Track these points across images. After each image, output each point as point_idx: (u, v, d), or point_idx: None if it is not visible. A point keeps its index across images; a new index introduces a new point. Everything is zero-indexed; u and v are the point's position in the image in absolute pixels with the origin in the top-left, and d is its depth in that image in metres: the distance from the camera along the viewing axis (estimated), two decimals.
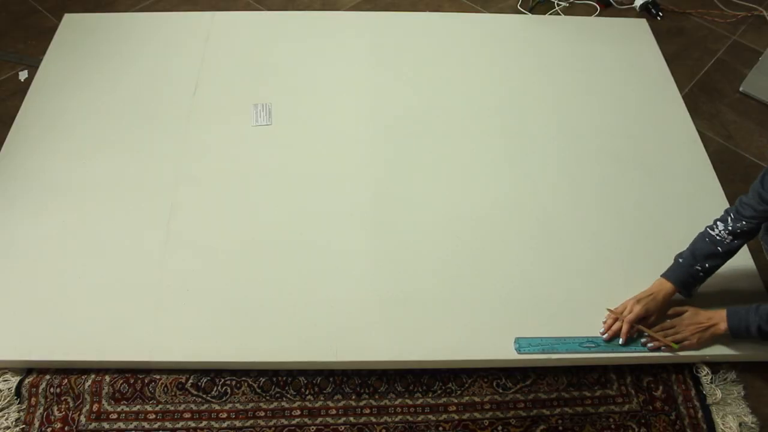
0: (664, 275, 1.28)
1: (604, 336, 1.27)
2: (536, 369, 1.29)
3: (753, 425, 1.24)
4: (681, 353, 1.26)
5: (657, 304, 1.26)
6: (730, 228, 1.21)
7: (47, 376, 1.25)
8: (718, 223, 1.23)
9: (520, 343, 1.27)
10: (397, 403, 1.25)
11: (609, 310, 1.29)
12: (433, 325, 1.30)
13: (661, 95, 1.80)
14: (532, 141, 1.66)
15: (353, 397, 1.25)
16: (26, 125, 1.64)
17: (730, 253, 1.23)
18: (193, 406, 1.24)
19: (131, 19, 1.96)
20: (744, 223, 1.19)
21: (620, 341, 1.26)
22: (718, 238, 1.22)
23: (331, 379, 1.27)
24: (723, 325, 1.20)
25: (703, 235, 1.25)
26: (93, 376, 1.25)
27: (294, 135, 1.64)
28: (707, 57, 2.00)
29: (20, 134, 1.62)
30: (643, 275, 1.32)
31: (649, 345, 1.26)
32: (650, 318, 1.27)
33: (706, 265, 1.23)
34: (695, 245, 1.25)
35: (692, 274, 1.25)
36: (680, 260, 1.26)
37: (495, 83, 1.80)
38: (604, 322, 1.29)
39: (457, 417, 1.24)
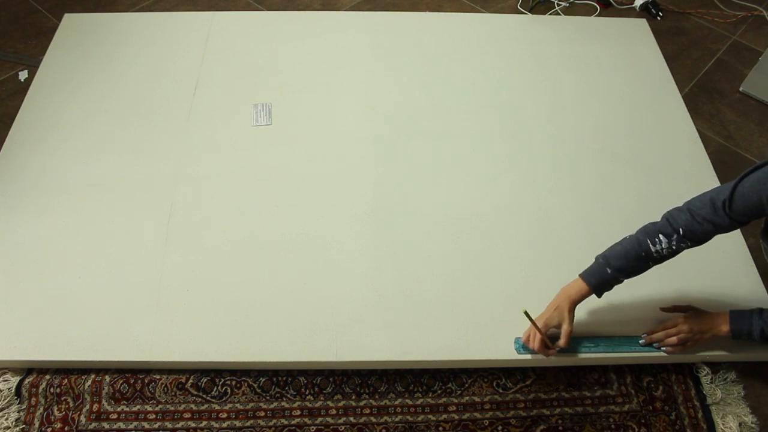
0: (585, 279, 1.18)
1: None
2: (536, 369, 1.29)
3: (753, 425, 1.24)
4: (681, 353, 1.26)
5: (562, 318, 1.18)
6: (674, 247, 1.10)
7: (47, 376, 1.25)
8: (661, 237, 1.10)
9: (520, 343, 1.27)
10: (397, 403, 1.25)
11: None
12: (433, 325, 1.30)
13: (661, 95, 1.80)
14: (532, 141, 1.66)
15: (353, 397, 1.25)
16: (26, 125, 1.64)
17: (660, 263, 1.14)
18: (193, 406, 1.24)
19: (131, 19, 1.96)
20: (689, 244, 1.09)
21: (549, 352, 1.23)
22: (655, 255, 1.11)
23: (331, 379, 1.27)
24: (725, 328, 1.20)
25: (639, 248, 1.12)
26: (93, 376, 1.25)
27: (294, 135, 1.64)
28: (707, 57, 2.00)
29: (20, 134, 1.62)
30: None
31: (657, 346, 1.26)
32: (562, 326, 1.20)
33: (631, 278, 1.16)
34: (629, 260, 1.13)
35: (614, 283, 1.17)
36: (608, 270, 1.14)
37: (495, 83, 1.80)
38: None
39: (457, 417, 1.24)
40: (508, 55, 1.89)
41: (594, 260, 1.19)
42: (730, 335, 1.19)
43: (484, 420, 1.24)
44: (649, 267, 1.15)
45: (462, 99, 1.75)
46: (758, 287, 1.39)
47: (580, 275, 1.20)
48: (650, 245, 1.11)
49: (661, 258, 1.12)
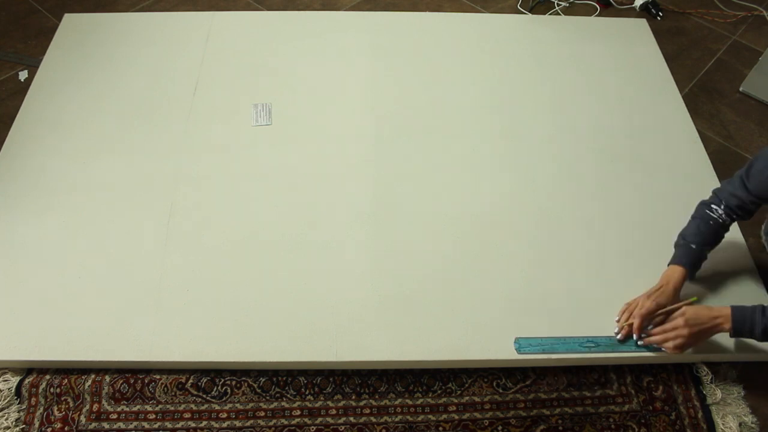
0: (677, 262, 1.29)
1: (618, 336, 1.27)
2: (536, 369, 1.29)
3: (753, 425, 1.24)
4: (681, 353, 1.25)
5: (668, 296, 1.26)
6: (725, 215, 1.26)
7: (47, 376, 1.25)
8: (714, 206, 1.27)
9: (520, 343, 1.27)
10: (397, 403, 1.25)
11: (626, 306, 1.30)
12: (433, 325, 1.30)
13: (661, 95, 1.81)
14: (532, 141, 1.66)
15: (353, 397, 1.25)
16: (26, 125, 1.64)
17: (726, 230, 1.30)
18: (193, 406, 1.24)
19: (131, 19, 1.96)
20: (734, 217, 1.26)
21: (634, 337, 1.26)
22: (720, 220, 1.26)
23: (331, 379, 1.27)
24: (727, 325, 1.18)
25: (706, 219, 1.27)
26: (93, 376, 1.25)
27: (294, 135, 1.64)
28: (707, 57, 2.00)
29: (20, 134, 1.62)
30: (643, 275, 1.32)
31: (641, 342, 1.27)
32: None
33: (712, 247, 1.29)
34: (701, 230, 1.27)
35: (702, 257, 1.30)
36: (692, 246, 1.27)
37: (495, 83, 1.80)
38: (617, 321, 1.29)
39: (457, 417, 1.24)
40: (508, 55, 1.89)
41: (674, 248, 1.31)
42: (731, 332, 1.18)
43: (484, 420, 1.24)
44: (721, 232, 1.29)
45: (462, 99, 1.75)
46: (758, 287, 1.39)
47: (669, 264, 1.30)
48: (709, 213, 1.27)
49: (725, 224, 1.27)
